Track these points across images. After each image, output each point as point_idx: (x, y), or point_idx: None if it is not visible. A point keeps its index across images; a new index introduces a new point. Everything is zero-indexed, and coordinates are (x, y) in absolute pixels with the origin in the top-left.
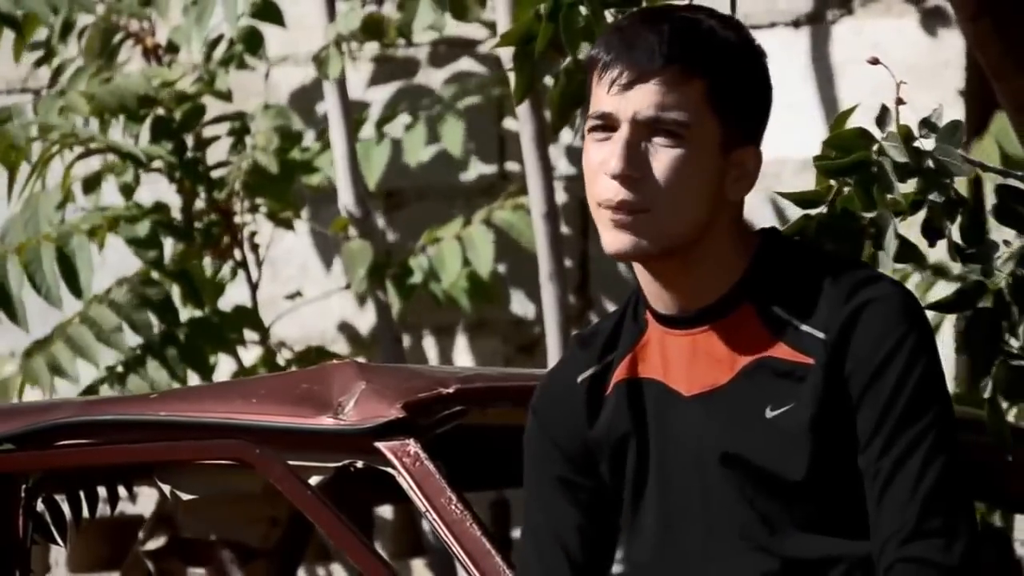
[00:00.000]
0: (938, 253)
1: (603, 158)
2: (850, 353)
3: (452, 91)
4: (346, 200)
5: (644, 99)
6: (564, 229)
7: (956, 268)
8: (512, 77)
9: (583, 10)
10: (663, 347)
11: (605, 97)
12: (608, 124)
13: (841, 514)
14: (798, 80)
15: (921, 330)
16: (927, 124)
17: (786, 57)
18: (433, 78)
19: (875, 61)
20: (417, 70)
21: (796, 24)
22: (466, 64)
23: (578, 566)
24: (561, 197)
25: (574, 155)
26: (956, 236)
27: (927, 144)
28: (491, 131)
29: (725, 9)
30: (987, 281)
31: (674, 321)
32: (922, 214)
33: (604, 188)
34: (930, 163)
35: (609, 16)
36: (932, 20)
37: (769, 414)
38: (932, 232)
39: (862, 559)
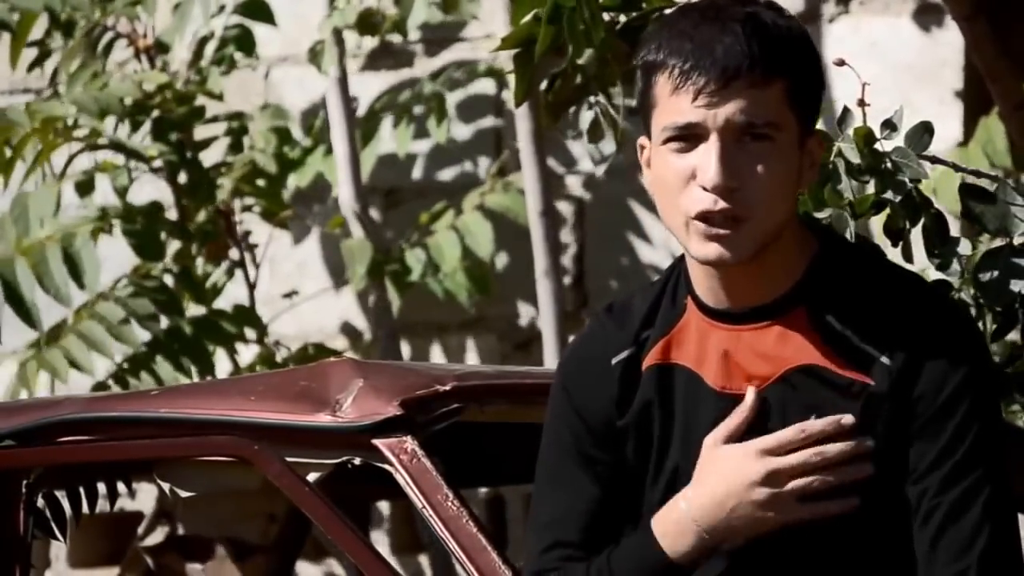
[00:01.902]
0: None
1: (691, 169)
2: (920, 382)
3: (440, 85)
4: (346, 198)
5: (735, 106)
6: (560, 226)
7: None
8: (512, 79)
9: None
10: (702, 337)
11: (689, 107)
12: (692, 133)
13: (865, 535)
14: None
15: (986, 363)
16: (888, 125)
17: None
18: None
19: (841, 63)
20: (415, 73)
21: None
22: (464, 65)
23: (578, 546)
24: (557, 194)
25: (572, 153)
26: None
27: (890, 145)
28: (489, 131)
29: None
30: (948, 279)
31: (721, 315)
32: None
33: (698, 200)
34: (888, 164)
35: (607, 18)
36: (930, 19)
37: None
38: (892, 233)
39: None
